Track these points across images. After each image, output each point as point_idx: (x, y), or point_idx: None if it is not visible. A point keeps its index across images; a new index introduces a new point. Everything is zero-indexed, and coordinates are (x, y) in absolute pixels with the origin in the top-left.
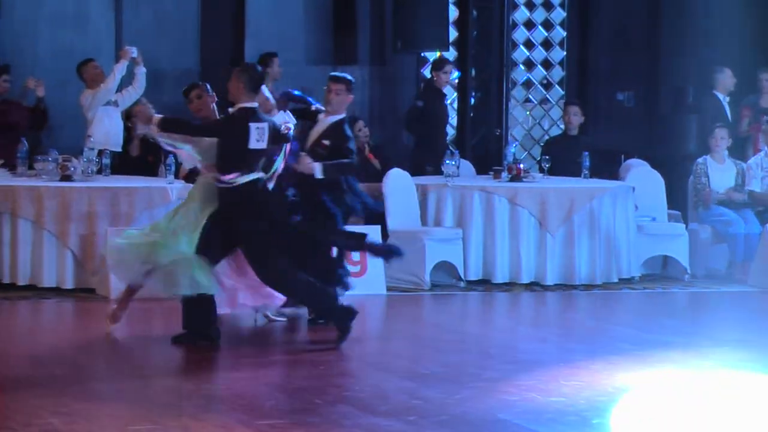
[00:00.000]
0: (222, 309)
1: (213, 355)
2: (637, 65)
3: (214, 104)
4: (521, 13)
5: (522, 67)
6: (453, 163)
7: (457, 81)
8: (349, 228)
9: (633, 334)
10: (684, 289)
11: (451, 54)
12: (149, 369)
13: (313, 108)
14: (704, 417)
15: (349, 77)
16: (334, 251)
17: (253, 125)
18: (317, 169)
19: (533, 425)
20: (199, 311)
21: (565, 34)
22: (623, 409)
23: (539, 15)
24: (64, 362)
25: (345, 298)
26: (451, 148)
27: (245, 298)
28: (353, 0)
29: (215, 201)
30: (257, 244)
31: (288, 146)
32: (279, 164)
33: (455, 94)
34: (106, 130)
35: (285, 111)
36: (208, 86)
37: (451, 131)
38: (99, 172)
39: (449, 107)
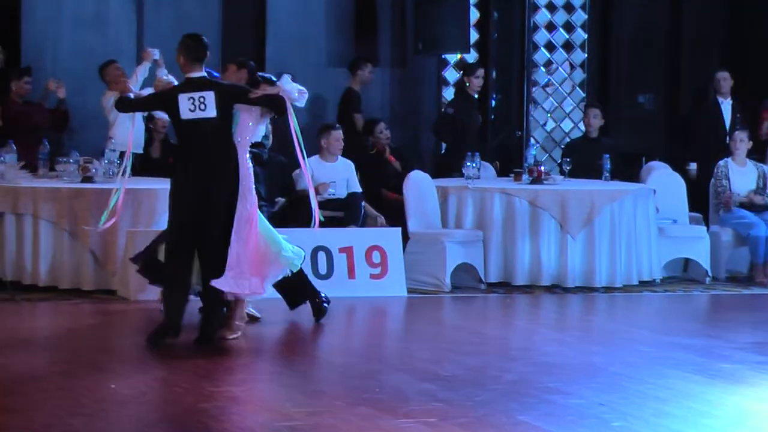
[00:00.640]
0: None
1: (232, 356)
2: (658, 68)
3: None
4: (542, 16)
5: (543, 69)
6: (473, 165)
7: None
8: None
9: (653, 337)
10: (705, 292)
11: (472, 56)
12: (168, 371)
13: None
14: (723, 420)
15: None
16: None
17: (183, 95)
18: None
19: (553, 427)
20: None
21: (586, 36)
22: (644, 411)
23: (560, 17)
24: (84, 364)
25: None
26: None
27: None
28: (374, 1)
29: None
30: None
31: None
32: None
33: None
34: (128, 131)
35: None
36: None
37: None
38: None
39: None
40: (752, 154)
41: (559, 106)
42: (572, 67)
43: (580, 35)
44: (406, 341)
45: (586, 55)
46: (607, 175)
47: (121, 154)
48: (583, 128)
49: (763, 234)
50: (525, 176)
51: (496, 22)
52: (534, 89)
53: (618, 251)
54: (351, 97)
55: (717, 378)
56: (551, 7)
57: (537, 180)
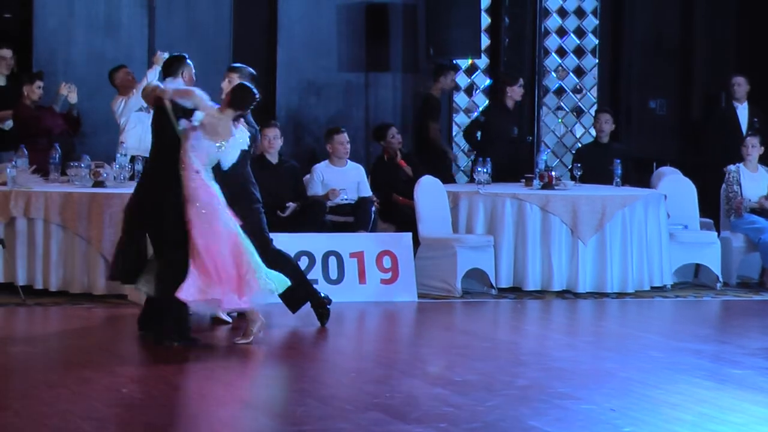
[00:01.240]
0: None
1: (243, 361)
2: (669, 73)
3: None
4: (553, 21)
5: (554, 74)
6: (484, 170)
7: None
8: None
9: (664, 342)
10: (716, 298)
11: (483, 61)
12: (179, 375)
13: None
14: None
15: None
16: None
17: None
18: None
19: None
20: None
21: (597, 41)
22: (655, 417)
23: (571, 23)
24: (95, 368)
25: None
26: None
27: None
28: (386, 7)
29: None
30: None
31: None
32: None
33: (486, 101)
34: (139, 136)
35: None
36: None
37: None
38: (131, 178)
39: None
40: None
41: (570, 112)
42: (583, 72)
43: (592, 40)
44: (416, 346)
45: (597, 60)
46: (618, 180)
47: (132, 159)
48: (594, 133)
49: None
50: (536, 181)
51: (507, 28)
52: (545, 94)
53: (629, 257)
54: (430, 104)
55: (727, 383)
56: (562, 13)
57: (548, 185)
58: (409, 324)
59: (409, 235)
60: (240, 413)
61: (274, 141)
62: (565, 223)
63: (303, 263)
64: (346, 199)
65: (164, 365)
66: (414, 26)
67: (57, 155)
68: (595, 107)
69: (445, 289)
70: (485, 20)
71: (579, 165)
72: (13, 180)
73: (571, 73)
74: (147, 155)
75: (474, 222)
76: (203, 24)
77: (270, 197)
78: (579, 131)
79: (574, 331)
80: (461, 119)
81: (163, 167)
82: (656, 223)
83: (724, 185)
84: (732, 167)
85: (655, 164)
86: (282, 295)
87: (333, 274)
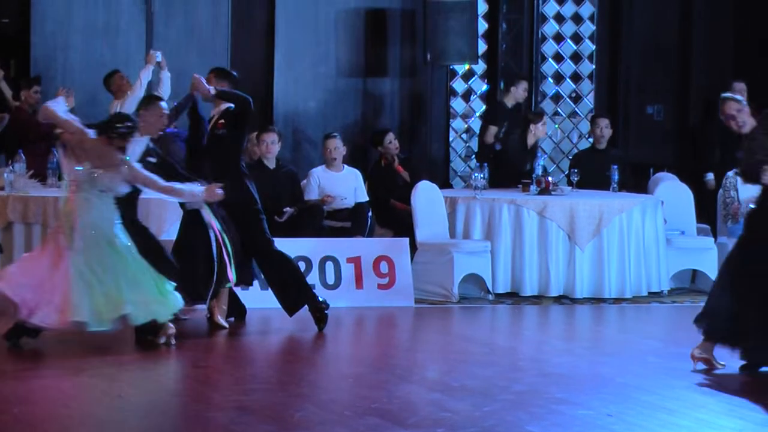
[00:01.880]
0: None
1: (241, 366)
2: (667, 78)
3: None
4: (550, 27)
5: (551, 80)
6: (481, 176)
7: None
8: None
9: (662, 348)
10: None
11: (480, 67)
12: (178, 381)
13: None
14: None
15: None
16: None
17: None
18: None
19: None
20: None
21: (594, 47)
22: (652, 422)
23: (568, 29)
24: (93, 373)
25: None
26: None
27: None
28: (384, 12)
29: None
30: None
31: None
32: None
33: (483, 107)
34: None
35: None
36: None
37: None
38: None
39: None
40: None
41: (567, 118)
42: (580, 77)
43: (589, 46)
44: (413, 351)
45: (594, 66)
46: (615, 186)
47: None
48: (591, 139)
49: None
50: (533, 187)
51: (504, 34)
52: (542, 100)
53: (626, 262)
54: (494, 110)
55: (724, 389)
56: (559, 19)
57: (545, 191)
58: (406, 329)
59: (407, 240)
60: (238, 418)
61: (272, 146)
62: (563, 229)
63: (300, 268)
64: (344, 202)
65: (161, 371)
66: (412, 32)
67: (54, 160)
68: (592, 113)
69: (442, 295)
70: (482, 26)
71: (576, 170)
72: (11, 185)
73: (567, 79)
74: None
75: (471, 227)
76: (201, 29)
77: (268, 202)
78: (576, 137)
79: (571, 336)
80: (458, 125)
81: None
82: (653, 228)
83: (721, 191)
84: (730, 173)
85: (652, 170)
86: (279, 299)
87: (330, 279)
